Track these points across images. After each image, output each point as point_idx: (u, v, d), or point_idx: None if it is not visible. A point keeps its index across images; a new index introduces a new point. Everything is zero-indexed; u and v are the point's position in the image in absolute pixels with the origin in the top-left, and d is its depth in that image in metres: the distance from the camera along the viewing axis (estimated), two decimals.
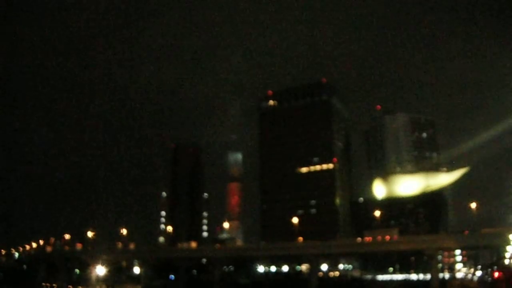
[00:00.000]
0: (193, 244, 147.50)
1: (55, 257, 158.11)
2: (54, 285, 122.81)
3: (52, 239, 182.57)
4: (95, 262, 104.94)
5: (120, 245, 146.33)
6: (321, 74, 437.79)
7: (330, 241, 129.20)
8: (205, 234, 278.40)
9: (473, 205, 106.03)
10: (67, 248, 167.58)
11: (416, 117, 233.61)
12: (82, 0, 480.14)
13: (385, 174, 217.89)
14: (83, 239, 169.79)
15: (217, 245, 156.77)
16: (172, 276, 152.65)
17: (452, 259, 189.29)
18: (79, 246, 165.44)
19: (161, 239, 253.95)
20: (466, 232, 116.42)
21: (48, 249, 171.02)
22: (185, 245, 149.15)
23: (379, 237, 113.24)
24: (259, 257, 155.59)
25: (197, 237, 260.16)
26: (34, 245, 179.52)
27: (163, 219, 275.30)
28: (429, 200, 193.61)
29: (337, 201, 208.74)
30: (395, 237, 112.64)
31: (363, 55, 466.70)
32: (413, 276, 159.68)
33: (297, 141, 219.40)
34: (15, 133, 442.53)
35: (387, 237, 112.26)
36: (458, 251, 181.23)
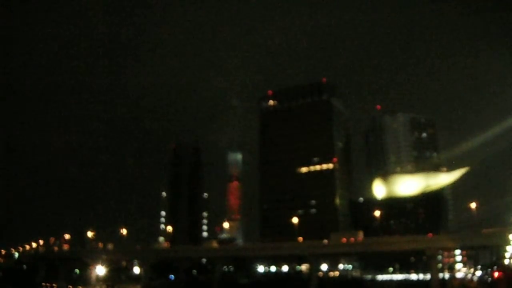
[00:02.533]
0: (165, 244, 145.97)
1: (55, 257, 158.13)
2: (54, 285, 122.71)
3: (52, 239, 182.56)
4: (95, 262, 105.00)
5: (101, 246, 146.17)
6: (321, 74, 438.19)
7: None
8: (205, 234, 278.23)
9: (473, 205, 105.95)
10: (56, 249, 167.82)
11: (416, 117, 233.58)
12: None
13: (385, 174, 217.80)
14: (83, 239, 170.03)
15: (217, 245, 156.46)
16: (172, 276, 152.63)
17: (452, 259, 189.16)
18: (66, 247, 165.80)
19: (161, 239, 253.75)
20: (430, 235, 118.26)
21: (41, 250, 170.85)
22: (157, 245, 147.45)
23: (344, 239, 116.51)
24: (259, 257, 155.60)
25: (197, 237, 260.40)
26: (34, 245, 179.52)
27: (163, 219, 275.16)
28: (429, 200, 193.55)
29: (337, 201, 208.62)
30: (360, 238, 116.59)
31: (364, 55, 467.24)
32: (413, 276, 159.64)
33: (297, 141, 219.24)
34: (15, 133, 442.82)
35: (352, 239, 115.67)
36: (458, 251, 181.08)
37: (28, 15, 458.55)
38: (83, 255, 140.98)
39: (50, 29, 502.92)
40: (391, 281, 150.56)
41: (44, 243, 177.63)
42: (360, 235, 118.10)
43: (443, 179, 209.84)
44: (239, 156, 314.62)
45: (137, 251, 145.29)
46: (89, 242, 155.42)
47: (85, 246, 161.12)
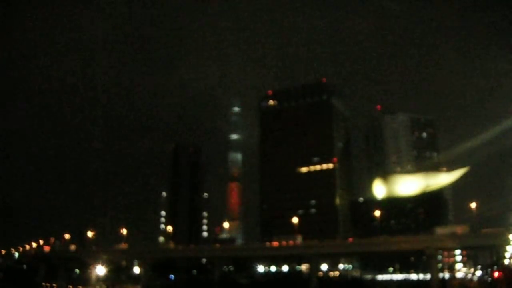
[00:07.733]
0: (123, 245, 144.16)
1: (55, 257, 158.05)
2: (54, 285, 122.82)
3: (52, 239, 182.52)
4: (95, 262, 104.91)
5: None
6: (321, 74, 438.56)
7: (330, 241, 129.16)
8: (205, 234, 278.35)
9: (473, 205, 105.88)
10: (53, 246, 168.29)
11: (416, 117, 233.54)
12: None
13: (385, 174, 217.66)
14: (83, 239, 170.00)
15: (217, 245, 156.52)
16: (172, 276, 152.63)
17: (452, 259, 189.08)
18: (46, 248, 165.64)
19: (161, 239, 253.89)
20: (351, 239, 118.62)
21: (31, 252, 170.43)
22: (116, 246, 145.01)
23: (284, 242, 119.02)
24: (259, 257, 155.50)
25: (197, 237, 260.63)
26: (34, 245, 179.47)
27: (163, 219, 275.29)
28: (429, 200, 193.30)
29: (337, 201, 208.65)
30: (298, 242, 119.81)
31: (363, 55, 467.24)
32: (413, 276, 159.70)
33: (297, 141, 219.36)
34: (16, 133, 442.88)
35: (291, 242, 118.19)
36: (458, 251, 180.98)
37: (29, 11, 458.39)
38: (83, 255, 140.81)
39: (51, 27, 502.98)
40: (391, 281, 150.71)
41: (44, 243, 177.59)
42: (299, 238, 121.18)
43: (443, 179, 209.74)
44: (239, 156, 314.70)
45: (137, 251, 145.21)
46: (89, 242, 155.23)
47: (85, 246, 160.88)
